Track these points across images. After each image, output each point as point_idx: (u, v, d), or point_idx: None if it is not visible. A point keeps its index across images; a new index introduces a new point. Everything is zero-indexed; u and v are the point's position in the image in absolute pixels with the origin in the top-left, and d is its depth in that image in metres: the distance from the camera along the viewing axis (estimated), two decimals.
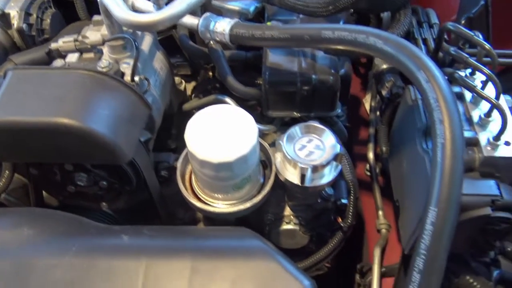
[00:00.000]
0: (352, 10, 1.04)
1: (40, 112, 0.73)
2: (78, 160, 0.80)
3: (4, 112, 0.74)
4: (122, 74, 0.86)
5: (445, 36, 0.88)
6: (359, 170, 1.21)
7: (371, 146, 1.11)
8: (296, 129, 0.85)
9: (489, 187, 0.68)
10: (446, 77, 0.75)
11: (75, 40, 0.86)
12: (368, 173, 1.15)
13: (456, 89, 0.78)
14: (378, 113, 1.17)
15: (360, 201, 1.18)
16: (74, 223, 0.71)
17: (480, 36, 0.75)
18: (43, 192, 0.96)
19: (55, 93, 0.75)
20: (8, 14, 1.00)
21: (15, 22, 1.00)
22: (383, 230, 1.04)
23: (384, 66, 1.03)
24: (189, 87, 1.32)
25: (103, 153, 0.75)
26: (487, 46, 0.72)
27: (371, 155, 1.10)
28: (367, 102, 1.31)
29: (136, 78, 0.85)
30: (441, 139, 0.58)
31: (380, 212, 1.06)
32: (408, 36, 0.95)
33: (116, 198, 0.91)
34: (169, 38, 1.24)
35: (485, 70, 0.70)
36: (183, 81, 1.30)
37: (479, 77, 0.77)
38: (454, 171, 0.57)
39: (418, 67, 0.62)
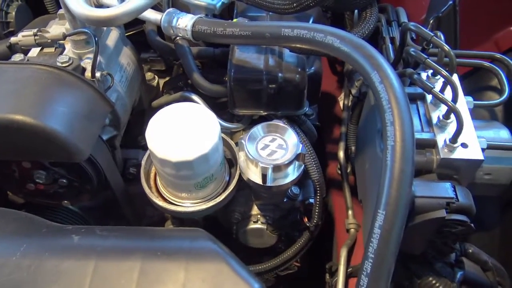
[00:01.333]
0: (324, 9, 1.03)
1: None
2: (34, 158, 0.79)
3: None
4: (84, 70, 0.84)
5: (413, 36, 0.87)
6: (331, 169, 1.21)
7: (341, 145, 1.11)
8: (258, 128, 0.84)
9: (445, 189, 0.67)
10: (407, 78, 0.75)
11: (35, 34, 0.84)
12: (340, 172, 1.15)
13: (419, 90, 0.77)
14: (351, 111, 1.16)
15: (331, 201, 1.17)
16: (25, 222, 0.70)
17: (442, 37, 0.74)
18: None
19: (10, 89, 0.74)
20: None
21: None
22: (352, 230, 1.04)
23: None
24: (163, 82, 1.31)
25: (59, 150, 0.74)
26: (446, 47, 0.71)
27: (341, 155, 1.10)
28: (342, 100, 1.30)
29: (98, 74, 0.84)
30: (391, 141, 0.57)
31: (350, 212, 1.06)
32: (377, 34, 0.94)
33: (77, 196, 0.89)
34: (142, 33, 1.23)
35: (443, 71, 0.69)
36: (156, 76, 1.29)
37: (441, 78, 0.77)
38: (403, 174, 0.56)
39: (372, 68, 0.61)
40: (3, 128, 0.71)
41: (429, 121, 0.73)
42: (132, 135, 1.16)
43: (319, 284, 1.14)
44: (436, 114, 0.73)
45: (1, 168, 0.83)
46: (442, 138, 0.70)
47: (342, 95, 1.34)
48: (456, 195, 0.67)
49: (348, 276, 0.97)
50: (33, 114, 0.71)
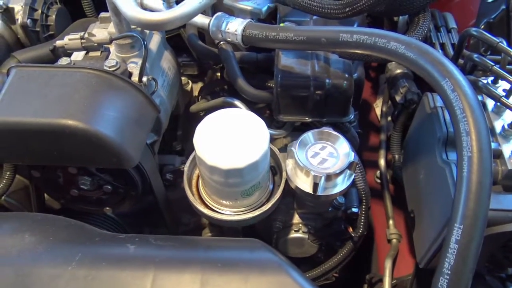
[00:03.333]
0: (375, 14, 1.01)
1: (44, 112, 0.70)
2: (83, 164, 0.77)
3: (6, 111, 0.71)
4: (130, 74, 0.83)
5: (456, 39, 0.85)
6: (369, 177, 1.18)
7: (382, 152, 1.08)
8: (309, 135, 0.82)
9: None
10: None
11: (81, 38, 0.83)
12: (378, 180, 1.12)
13: (479, 97, 0.74)
14: (389, 118, 1.14)
15: (370, 209, 1.15)
16: (76, 230, 0.68)
17: (504, 43, 0.71)
18: (45, 194, 0.93)
19: (60, 93, 0.72)
20: (12, 9, 0.97)
21: (19, 17, 0.97)
22: (394, 240, 1.01)
23: (398, 71, 1.00)
24: (196, 87, 1.29)
25: (109, 157, 0.72)
26: None
27: (382, 162, 1.07)
28: (378, 107, 1.28)
29: (144, 79, 0.82)
30: (468, 152, 0.55)
31: (391, 222, 1.03)
32: (425, 41, 0.92)
33: (120, 202, 0.87)
34: (176, 37, 1.22)
35: (510, 78, 0.67)
36: (189, 81, 1.28)
37: (501, 85, 0.74)
38: (481, 186, 0.54)
39: (443, 75, 0.59)
40: (54, 133, 0.69)
41: (491, 130, 0.71)
42: (167, 140, 1.15)
43: None
44: (499, 123, 0.71)
45: (46, 174, 0.81)
46: (508, 149, 0.68)
47: (377, 102, 1.32)
48: None
49: None
50: (85, 119, 0.69)
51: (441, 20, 0.95)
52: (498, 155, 0.68)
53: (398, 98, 0.98)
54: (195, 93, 1.28)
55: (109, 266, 0.61)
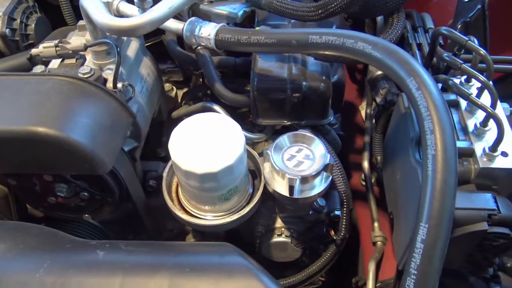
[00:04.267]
0: (345, 15, 1.01)
1: (15, 120, 0.70)
2: (56, 171, 0.77)
3: None
4: (105, 81, 0.83)
5: (441, 41, 0.84)
6: (354, 180, 1.18)
7: (366, 155, 1.08)
8: (284, 139, 0.81)
9: (486, 200, 0.64)
10: (440, 84, 0.72)
11: (56, 46, 0.83)
12: (364, 183, 1.12)
13: (451, 96, 0.74)
14: (374, 120, 1.13)
15: (355, 212, 1.14)
16: (48, 237, 0.68)
17: (476, 41, 0.71)
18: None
19: (32, 100, 0.72)
20: None
21: None
22: (379, 243, 1.00)
23: (379, 73, 1.00)
24: (181, 93, 1.29)
25: (82, 163, 0.72)
26: (482, 51, 0.68)
27: (366, 165, 1.07)
28: (363, 110, 1.27)
29: (119, 85, 0.82)
30: (432, 150, 0.54)
31: (376, 224, 1.02)
32: (403, 41, 0.92)
33: (99, 209, 0.87)
34: (160, 44, 1.22)
35: (481, 77, 0.66)
36: (174, 87, 1.27)
37: (475, 84, 0.74)
38: (446, 184, 0.53)
39: (408, 74, 0.59)
40: (25, 140, 0.69)
41: (464, 129, 0.70)
42: (151, 147, 1.15)
43: None
44: (472, 122, 0.70)
45: (22, 182, 0.81)
46: (480, 147, 0.67)
47: (363, 104, 1.32)
48: (497, 206, 0.64)
49: None
50: (56, 126, 0.69)
51: (419, 21, 0.95)
52: (470, 153, 0.68)
53: (378, 99, 0.98)
54: (180, 100, 1.28)
55: (77, 273, 0.61)
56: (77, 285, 0.60)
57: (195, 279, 0.59)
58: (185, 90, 1.30)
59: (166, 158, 1.18)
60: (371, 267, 0.94)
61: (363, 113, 1.30)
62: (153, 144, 1.16)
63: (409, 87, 0.58)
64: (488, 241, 0.66)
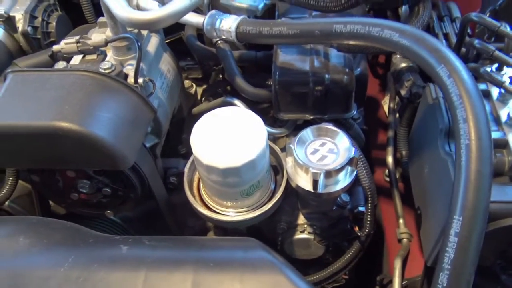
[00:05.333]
0: (367, 6, 0.99)
1: (38, 115, 0.70)
2: (79, 166, 0.77)
3: (1, 116, 0.71)
4: (126, 76, 0.82)
5: (468, 30, 0.82)
6: (378, 175, 1.15)
7: (390, 150, 1.05)
8: (307, 132, 0.80)
9: None
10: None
11: (77, 42, 0.83)
12: (387, 179, 1.09)
13: (482, 86, 0.71)
14: (397, 115, 1.11)
15: (379, 209, 1.12)
16: (71, 233, 0.67)
17: (508, 27, 0.68)
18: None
19: (54, 95, 0.72)
20: (13, 17, 0.98)
21: (20, 25, 0.98)
22: (404, 240, 0.97)
23: (403, 65, 0.98)
24: (200, 90, 1.29)
25: (103, 158, 0.72)
26: None
27: (390, 160, 1.04)
28: (386, 104, 1.25)
29: (140, 80, 0.82)
30: (466, 140, 0.52)
31: (401, 221, 1.00)
32: (428, 31, 0.89)
33: (121, 206, 0.87)
34: (179, 41, 1.22)
35: None
36: (193, 84, 1.27)
37: (507, 73, 0.71)
38: (480, 175, 0.51)
39: (438, 61, 0.56)
40: (48, 135, 0.69)
41: (497, 119, 0.68)
42: (172, 144, 1.14)
43: None
44: (505, 112, 0.67)
45: (46, 178, 0.81)
46: None
47: (385, 99, 1.29)
48: None
49: None
50: (78, 121, 0.69)
51: (445, 10, 0.92)
52: (504, 144, 0.65)
53: (403, 92, 0.96)
54: (200, 96, 1.28)
55: (101, 268, 0.61)
56: (102, 279, 0.59)
57: (219, 273, 0.58)
58: (204, 87, 1.30)
59: (187, 155, 1.18)
60: (397, 265, 0.91)
61: (385, 107, 1.27)
62: (174, 142, 1.15)
63: (440, 75, 0.56)
64: None
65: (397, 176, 1.06)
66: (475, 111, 0.53)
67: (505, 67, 0.70)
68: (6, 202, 0.88)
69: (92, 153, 0.71)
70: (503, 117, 0.67)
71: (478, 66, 0.69)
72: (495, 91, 0.71)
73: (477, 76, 0.69)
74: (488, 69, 0.70)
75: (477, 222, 0.50)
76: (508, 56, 0.66)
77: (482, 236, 0.51)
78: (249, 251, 0.62)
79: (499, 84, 0.65)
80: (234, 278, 0.58)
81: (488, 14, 0.82)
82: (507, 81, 0.68)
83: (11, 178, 0.86)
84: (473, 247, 0.51)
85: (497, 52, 0.66)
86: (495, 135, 0.66)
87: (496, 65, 0.71)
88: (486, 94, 0.71)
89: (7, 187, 0.86)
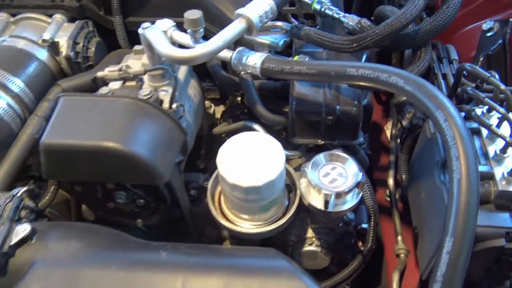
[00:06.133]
0: (380, 48, 1.10)
1: (89, 136, 0.81)
2: (120, 180, 0.87)
3: (56, 135, 0.82)
4: (161, 102, 0.93)
5: (464, 72, 0.93)
6: (379, 195, 1.26)
7: (391, 173, 1.16)
8: (320, 157, 0.90)
9: (504, 219, 0.72)
10: (464, 114, 0.81)
11: (120, 70, 0.94)
12: (388, 199, 1.19)
13: (474, 124, 0.82)
14: (398, 140, 1.22)
15: (379, 226, 1.22)
16: (116, 238, 0.78)
17: (497, 76, 0.80)
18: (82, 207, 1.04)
19: (103, 119, 0.83)
20: (57, 43, 1.09)
21: (63, 50, 1.09)
22: (402, 255, 1.08)
23: (405, 98, 1.09)
24: (218, 110, 1.40)
25: (143, 174, 0.82)
26: (502, 87, 0.77)
27: (391, 182, 1.15)
28: (388, 130, 1.36)
29: (174, 105, 0.93)
30: (457, 175, 0.63)
31: (399, 237, 1.10)
32: (429, 71, 1.00)
33: (151, 215, 0.97)
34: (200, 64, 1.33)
35: (501, 109, 0.75)
36: (212, 104, 1.38)
37: (496, 114, 0.82)
38: (469, 204, 0.62)
39: (436, 107, 0.68)
40: (97, 153, 0.80)
41: (485, 154, 0.79)
42: (191, 159, 1.25)
43: None
44: (493, 148, 0.78)
45: (87, 189, 0.92)
46: (499, 171, 0.75)
47: (388, 124, 1.40)
48: None
49: None
50: (123, 141, 0.80)
51: (444, 52, 1.04)
52: (491, 177, 0.76)
53: (404, 123, 1.07)
54: (217, 115, 1.39)
55: (144, 270, 0.71)
56: (145, 280, 0.69)
57: (247, 279, 0.69)
58: (221, 107, 1.41)
59: (205, 169, 1.29)
60: (395, 277, 1.01)
61: (388, 132, 1.38)
62: (193, 157, 1.26)
63: (438, 119, 0.67)
64: (505, 256, 0.73)
65: (397, 197, 1.17)
66: (465, 151, 0.64)
67: (493, 111, 0.81)
68: (47, 208, 0.98)
69: (133, 170, 0.82)
70: (491, 153, 0.78)
71: (470, 109, 0.80)
72: (485, 130, 0.82)
73: (470, 117, 0.80)
74: (479, 111, 0.81)
75: (465, 243, 0.61)
76: (495, 103, 0.77)
77: (469, 255, 0.62)
78: (271, 260, 0.72)
79: (487, 126, 0.76)
80: (260, 283, 0.68)
81: (481, 59, 0.94)
82: (495, 121, 0.79)
83: (53, 187, 0.97)
84: (462, 264, 0.61)
85: (485, 99, 0.77)
86: (484, 168, 0.77)
87: (487, 106, 0.82)
88: (477, 132, 0.82)
89: (50, 194, 0.96)
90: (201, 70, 1.27)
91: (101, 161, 0.81)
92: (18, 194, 0.79)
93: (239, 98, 1.31)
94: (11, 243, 0.73)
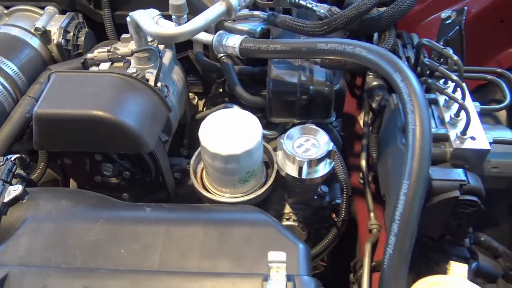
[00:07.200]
0: (346, 33, 1.20)
1: (79, 105, 0.87)
2: (108, 149, 0.93)
3: (48, 105, 0.88)
4: (147, 80, 1.00)
5: (425, 54, 1.02)
6: (354, 179, 1.33)
7: (363, 155, 1.24)
8: (295, 130, 0.98)
9: (458, 174, 0.80)
10: (424, 86, 0.90)
11: (108, 51, 1.01)
12: (362, 181, 1.27)
13: (432, 95, 0.91)
14: (371, 128, 1.30)
15: (354, 207, 1.29)
16: (103, 199, 0.83)
17: (451, 50, 0.89)
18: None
19: (92, 91, 0.89)
20: (49, 31, 1.16)
21: (55, 38, 1.16)
22: (374, 230, 1.14)
23: (375, 83, 1.17)
24: (201, 103, 1.47)
25: (130, 142, 0.88)
26: (454, 57, 0.86)
27: (363, 163, 1.22)
28: (362, 119, 1.44)
29: (158, 84, 1.00)
30: (412, 125, 0.71)
31: (372, 214, 1.17)
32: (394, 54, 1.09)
33: (136, 189, 1.02)
34: (185, 59, 1.40)
35: (453, 76, 0.84)
36: (195, 97, 1.45)
37: (451, 86, 0.91)
38: (422, 151, 0.69)
39: (394, 70, 0.76)
40: (87, 121, 0.86)
41: (442, 121, 0.87)
42: (175, 146, 1.31)
43: (345, 283, 1.23)
44: (448, 114, 0.87)
45: (76, 161, 0.97)
46: (454, 133, 0.83)
47: (361, 115, 1.49)
48: (467, 178, 0.79)
49: (372, 270, 1.07)
50: (112, 110, 0.86)
51: (408, 39, 1.13)
52: (446, 138, 0.84)
53: (374, 105, 1.15)
54: (201, 107, 1.46)
55: (130, 223, 0.76)
56: (131, 231, 0.75)
57: (225, 228, 0.75)
58: (204, 100, 1.48)
59: (188, 157, 1.35)
60: (367, 248, 1.08)
61: (361, 122, 1.47)
62: (177, 144, 1.32)
63: (396, 80, 0.75)
64: (461, 208, 0.81)
65: (370, 179, 1.24)
66: (419, 105, 0.72)
67: (450, 82, 0.90)
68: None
69: (120, 138, 0.88)
70: (447, 119, 0.87)
71: (427, 78, 0.88)
72: (442, 100, 0.90)
73: (426, 85, 0.89)
74: (436, 82, 0.90)
75: (420, 183, 0.68)
76: (450, 72, 0.86)
77: (424, 196, 0.69)
78: (248, 213, 0.79)
79: (441, 90, 0.85)
80: (237, 230, 0.74)
81: (441, 43, 1.03)
82: (450, 90, 0.87)
83: (42, 163, 1.02)
84: (417, 203, 0.68)
85: (440, 67, 0.86)
86: (440, 131, 0.85)
87: (443, 80, 0.91)
88: (435, 102, 0.90)
89: (39, 170, 1.01)
90: (186, 65, 1.36)
91: (90, 129, 0.87)
92: (12, 159, 0.84)
93: (220, 89, 1.39)
94: (4, 201, 0.78)
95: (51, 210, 0.78)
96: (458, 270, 0.67)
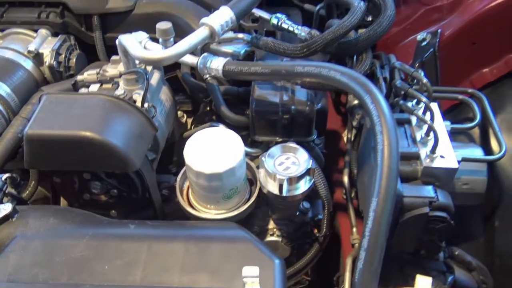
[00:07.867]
0: (327, 56, 1.25)
1: (68, 126, 0.91)
2: (96, 168, 0.96)
3: (38, 126, 0.92)
4: (134, 101, 1.04)
5: (402, 75, 1.07)
6: (337, 195, 1.37)
7: (346, 171, 1.27)
8: (276, 148, 1.02)
9: (427, 191, 0.84)
10: (391, 104, 0.94)
11: (97, 73, 1.05)
12: (345, 197, 1.31)
13: (405, 115, 0.96)
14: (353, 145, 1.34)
15: (337, 222, 1.32)
16: (90, 217, 0.87)
17: (422, 73, 0.93)
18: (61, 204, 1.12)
19: (81, 112, 0.93)
20: (42, 54, 1.21)
21: (47, 60, 1.20)
22: (356, 244, 1.18)
23: (355, 102, 1.22)
24: (190, 121, 1.51)
25: (116, 161, 0.92)
26: (424, 79, 0.90)
27: (345, 179, 1.26)
28: (346, 136, 1.49)
29: (146, 105, 1.04)
30: (381, 145, 0.75)
31: (354, 229, 1.20)
32: (372, 75, 1.14)
33: (123, 206, 1.06)
34: (174, 79, 1.45)
35: (423, 98, 0.88)
36: (184, 115, 1.50)
37: (422, 107, 0.95)
38: (390, 169, 0.74)
39: (365, 92, 0.80)
40: (75, 142, 0.90)
41: (414, 140, 0.91)
42: (164, 164, 1.35)
43: None
44: (420, 133, 0.91)
45: (65, 179, 1.01)
46: (424, 151, 0.88)
47: (345, 132, 1.53)
48: (437, 195, 0.83)
49: (353, 284, 1.10)
50: (99, 131, 0.90)
51: (386, 60, 1.18)
52: (417, 157, 0.88)
53: (354, 123, 1.20)
54: (189, 126, 1.50)
55: (114, 239, 0.80)
56: (115, 247, 0.78)
57: (205, 244, 0.78)
58: (193, 118, 1.53)
59: (177, 174, 1.38)
60: (349, 262, 1.10)
61: (345, 139, 1.51)
62: (166, 162, 1.36)
63: (366, 102, 0.80)
64: (431, 224, 0.85)
65: (352, 195, 1.28)
66: (387, 126, 0.76)
67: (421, 103, 0.95)
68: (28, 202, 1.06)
69: (107, 157, 0.91)
70: (418, 138, 0.91)
71: (398, 100, 0.93)
72: (414, 120, 0.95)
73: (397, 106, 0.94)
74: (408, 103, 0.94)
75: (387, 201, 0.72)
76: (420, 94, 0.90)
77: (391, 212, 0.73)
78: (227, 230, 0.82)
79: (411, 112, 0.89)
80: (216, 247, 0.78)
81: (417, 64, 1.08)
82: (420, 111, 0.92)
83: (33, 182, 1.05)
84: (385, 219, 0.72)
85: (410, 90, 0.91)
86: (412, 150, 0.89)
87: (415, 101, 0.96)
88: (408, 121, 0.95)
89: (30, 189, 1.05)
90: (175, 84, 1.40)
91: (79, 149, 0.91)
92: (3, 178, 0.88)
93: (208, 108, 1.44)
94: None
95: (39, 228, 0.82)
96: (422, 283, 0.70)
